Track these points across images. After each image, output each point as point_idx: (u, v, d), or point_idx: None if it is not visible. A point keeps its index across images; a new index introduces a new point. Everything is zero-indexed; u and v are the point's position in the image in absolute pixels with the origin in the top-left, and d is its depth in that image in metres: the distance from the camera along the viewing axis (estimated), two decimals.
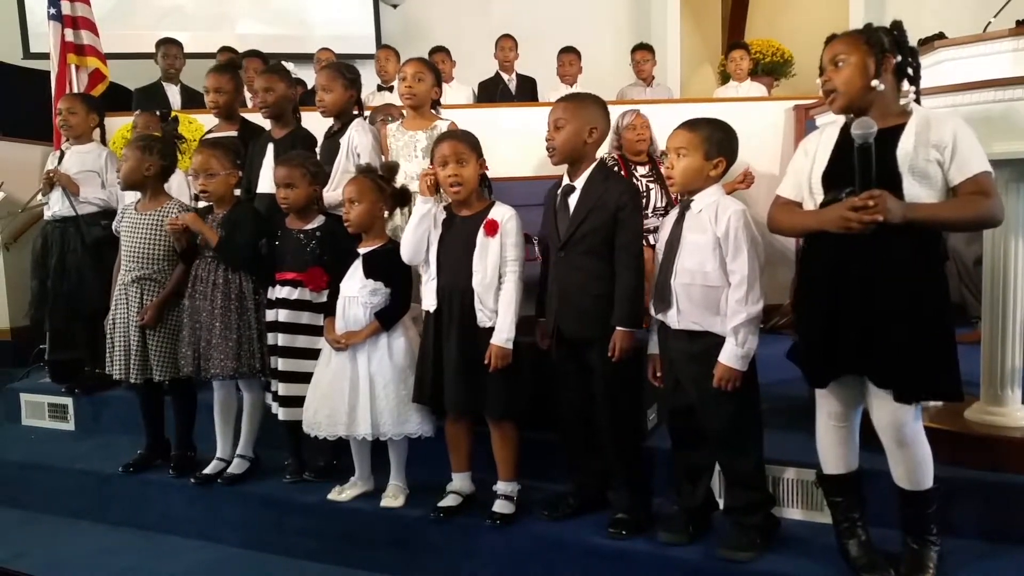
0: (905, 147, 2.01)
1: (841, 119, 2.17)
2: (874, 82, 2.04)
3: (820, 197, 2.13)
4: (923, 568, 2.12)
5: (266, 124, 3.63)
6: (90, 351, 3.93)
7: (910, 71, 2.09)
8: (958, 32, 2.84)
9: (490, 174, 2.78)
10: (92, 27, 5.19)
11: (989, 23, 2.86)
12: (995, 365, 2.55)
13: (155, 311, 3.13)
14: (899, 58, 2.06)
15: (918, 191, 2.00)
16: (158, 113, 3.94)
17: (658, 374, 2.49)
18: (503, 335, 2.55)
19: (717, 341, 2.28)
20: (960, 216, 2.03)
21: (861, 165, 1.96)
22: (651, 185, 4.23)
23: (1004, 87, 2.31)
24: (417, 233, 2.66)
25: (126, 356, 3.17)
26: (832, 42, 2.12)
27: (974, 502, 2.38)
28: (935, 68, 2.55)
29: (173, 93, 5.71)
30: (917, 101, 2.10)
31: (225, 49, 5.96)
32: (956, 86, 2.40)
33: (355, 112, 3.42)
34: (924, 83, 2.13)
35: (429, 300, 2.66)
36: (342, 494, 2.89)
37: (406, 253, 2.69)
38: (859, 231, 1.96)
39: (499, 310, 2.57)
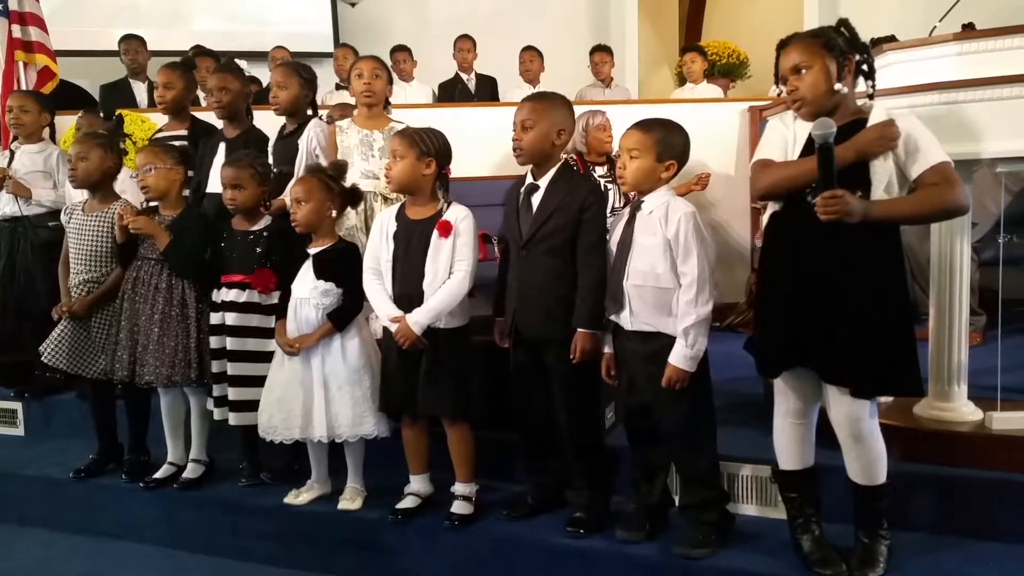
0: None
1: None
2: (837, 85, 2.07)
3: None
4: (874, 562, 2.16)
5: (217, 123, 3.58)
6: (39, 353, 3.83)
7: (865, 68, 2.12)
8: (909, 34, 2.90)
9: (450, 175, 2.76)
10: (41, 23, 5.05)
11: (935, 27, 2.93)
12: (942, 361, 2.60)
13: (87, 305, 3.08)
14: (858, 57, 2.09)
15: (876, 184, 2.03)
16: (102, 114, 3.85)
17: (612, 373, 2.50)
18: (417, 317, 2.51)
19: (669, 341, 2.30)
20: (922, 209, 2.05)
21: (823, 165, 1.99)
22: (609, 186, 4.24)
23: (949, 90, 2.36)
24: None
25: (61, 345, 3.14)
26: (787, 49, 2.12)
27: (924, 496, 2.43)
28: (884, 70, 2.58)
29: (140, 90, 5.60)
30: (871, 96, 2.13)
31: (197, 49, 5.86)
32: (903, 88, 2.45)
33: (309, 113, 3.38)
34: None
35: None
36: (299, 497, 2.86)
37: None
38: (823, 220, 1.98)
39: (431, 297, 2.53)
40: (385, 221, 2.70)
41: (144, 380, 2.95)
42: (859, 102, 2.15)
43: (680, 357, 2.27)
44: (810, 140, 2.14)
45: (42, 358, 3.17)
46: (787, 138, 2.19)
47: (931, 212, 2.07)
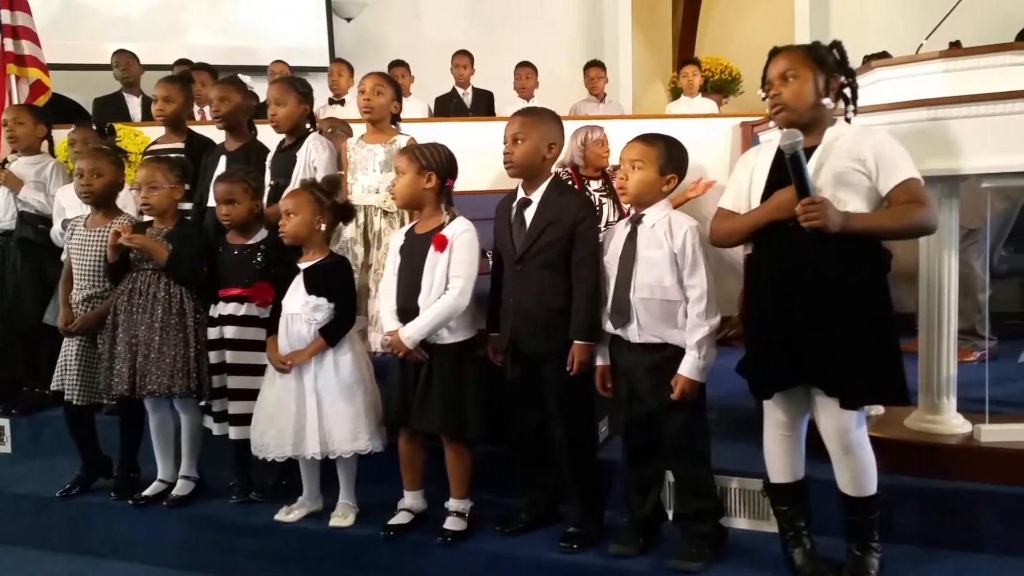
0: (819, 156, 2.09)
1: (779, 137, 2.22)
2: (825, 100, 2.11)
3: None
4: (865, 574, 2.17)
5: (215, 136, 3.58)
6: (29, 369, 3.80)
7: (848, 92, 2.15)
8: (901, 50, 2.93)
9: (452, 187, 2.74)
10: (33, 37, 5.07)
11: (921, 45, 2.96)
12: (932, 374, 2.62)
13: (88, 320, 3.04)
14: (843, 79, 2.13)
15: (843, 196, 2.06)
16: (93, 127, 3.84)
17: (608, 385, 2.50)
18: (409, 331, 2.52)
19: (673, 352, 2.33)
20: (896, 225, 2.08)
21: (796, 175, 2.02)
22: (604, 200, 4.26)
23: (935, 106, 2.39)
24: None
25: (67, 373, 3.10)
26: (777, 57, 2.16)
27: (913, 508, 2.44)
28: (873, 87, 2.63)
29: (134, 104, 5.61)
30: (848, 121, 2.16)
31: (182, 62, 5.89)
32: (891, 105, 2.48)
33: (307, 127, 3.39)
34: (862, 101, 2.20)
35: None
36: (290, 515, 2.84)
37: None
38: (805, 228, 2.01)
39: (425, 311, 2.53)
40: (396, 237, 2.73)
41: (146, 391, 2.89)
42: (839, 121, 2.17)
43: (692, 368, 2.29)
44: (774, 165, 2.18)
45: (57, 387, 3.13)
46: (742, 183, 2.25)
47: (904, 229, 2.12)
